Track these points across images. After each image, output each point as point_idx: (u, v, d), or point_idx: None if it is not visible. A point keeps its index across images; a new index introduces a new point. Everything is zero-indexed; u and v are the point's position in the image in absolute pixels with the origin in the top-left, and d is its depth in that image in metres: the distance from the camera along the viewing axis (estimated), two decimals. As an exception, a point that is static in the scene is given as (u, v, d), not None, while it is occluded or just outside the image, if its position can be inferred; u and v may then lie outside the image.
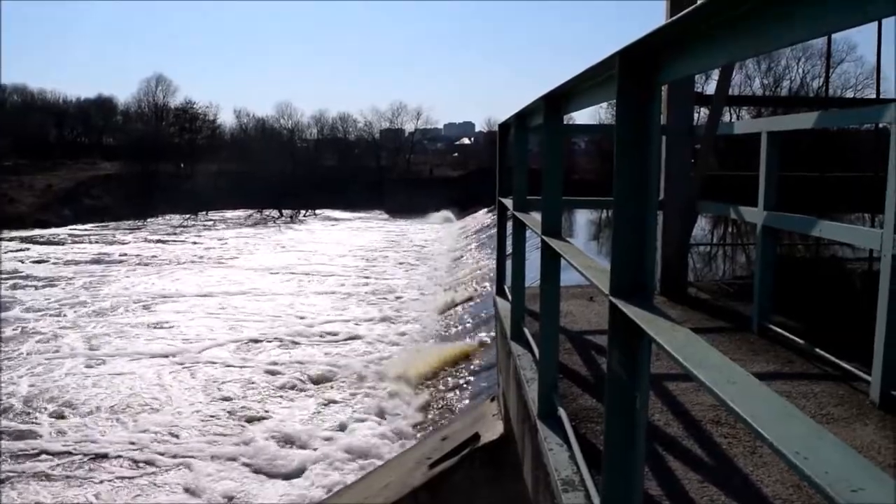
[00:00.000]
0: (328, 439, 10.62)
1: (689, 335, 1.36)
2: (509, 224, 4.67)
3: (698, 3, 1.18)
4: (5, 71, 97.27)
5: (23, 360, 14.81)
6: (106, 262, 30.31)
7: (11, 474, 9.66)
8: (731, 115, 30.34)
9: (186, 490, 9.26)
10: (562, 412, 2.92)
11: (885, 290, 3.12)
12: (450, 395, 11.70)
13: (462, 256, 29.38)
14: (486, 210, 40.87)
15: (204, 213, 54.00)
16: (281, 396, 12.70)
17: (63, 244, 36.92)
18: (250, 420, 11.53)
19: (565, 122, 3.22)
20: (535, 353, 3.43)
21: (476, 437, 5.46)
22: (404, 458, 7.41)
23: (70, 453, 10.31)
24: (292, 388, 13.08)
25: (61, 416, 11.71)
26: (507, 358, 4.52)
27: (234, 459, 10.06)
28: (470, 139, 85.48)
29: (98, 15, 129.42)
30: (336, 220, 54.39)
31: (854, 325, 3.85)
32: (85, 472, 9.78)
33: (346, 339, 16.41)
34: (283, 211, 55.50)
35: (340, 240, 39.26)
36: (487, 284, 18.65)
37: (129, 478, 9.64)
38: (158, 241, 38.96)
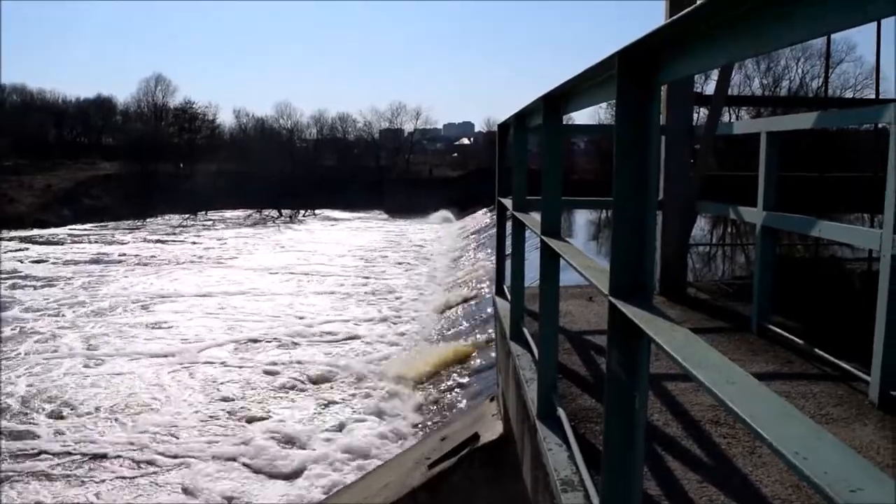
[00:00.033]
0: (327, 439, 10.62)
1: (688, 335, 1.36)
2: (509, 224, 4.67)
3: (697, 3, 1.18)
4: (5, 71, 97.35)
5: (21, 360, 14.80)
6: (105, 262, 30.30)
7: (10, 474, 9.65)
8: (730, 115, 30.36)
9: (186, 490, 9.26)
10: (561, 412, 2.92)
11: (884, 290, 3.12)
12: (449, 395, 11.70)
13: (461, 256, 29.38)
14: (485, 210, 40.87)
15: (203, 213, 54.01)
16: (280, 396, 12.70)
17: (62, 244, 36.91)
18: (249, 420, 11.52)
19: (565, 123, 3.22)
20: (535, 353, 3.43)
21: (475, 437, 5.46)
22: (403, 458, 7.41)
23: (69, 453, 10.30)
24: (291, 388, 13.08)
25: (60, 416, 11.70)
26: (506, 358, 4.52)
27: (233, 459, 10.05)
28: (469, 139, 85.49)
29: (98, 15, 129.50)
30: (335, 220, 54.40)
31: (853, 326, 3.86)
32: (84, 473, 9.77)
33: (345, 339, 16.41)
34: (283, 211, 55.49)
35: (340, 240, 39.26)
36: (486, 284, 18.66)
37: (129, 478, 9.63)
38: (158, 241, 38.95)
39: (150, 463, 10.01)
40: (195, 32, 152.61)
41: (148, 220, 49.18)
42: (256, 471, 9.74)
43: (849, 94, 37.85)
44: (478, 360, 12.77)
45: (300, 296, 22.16)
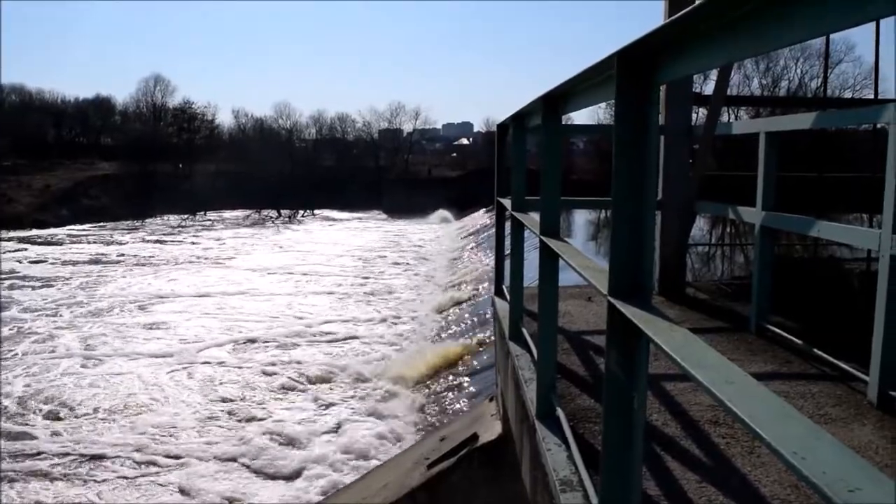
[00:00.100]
0: (326, 440, 10.62)
1: (687, 335, 1.36)
2: (508, 224, 4.67)
3: (696, 3, 1.18)
4: (5, 71, 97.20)
5: (19, 360, 14.78)
6: (103, 263, 30.29)
7: (9, 474, 9.64)
8: (729, 115, 30.37)
9: (185, 491, 9.25)
10: (560, 412, 2.92)
11: (882, 290, 3.12)
12: (448, 395, 11.70)
13: (460, 257, 29.39)
14: (484, 210, 40.90)
15: (202, 213, 54.01)
16: (279, 397, 12.69)
17: (61, 244, 36.89)
18: (248, 420, 11.52)
19: (564, 123, 3.22)
20: (534, 354, 3.43)
21: (474, 437, 5.46)
22: (402, 458, 7.41)
23: (67, 454, 10.28)
24: (290, 388, 13.08)
25: (58, 417, 11.68)
26: (505, 358, 4.52)
27: (232, 460, 10.05)
28: (468, 139, 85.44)
29: (97, 15, 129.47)
30: (334, 220, 54.41)
31: (852, 326, 3.86)
32: (82, 473, 9.76)
33: (344, 340, 16.41)
34: (282, 211, 55.51)
35: (338, 240, 39.26)
36: (485, 285, 18.66)
37: (128, 478, 9.62)
38: (156, 241, 38.94)
39: (150, 463, 10.00)
40: (194, 32, 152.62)
41: (147, 220, 49.18)
42: (255, 471, 9.74)
43: (848, 95, 37.91)
44: (476, 361, 12.77)
45: (299, 296, 22.15)
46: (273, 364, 14.39)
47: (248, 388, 13.06)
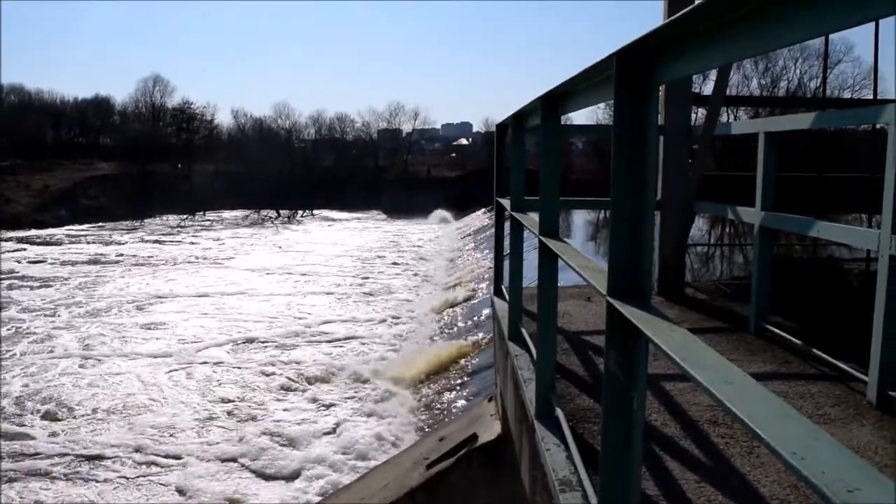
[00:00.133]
0: (325, 440, 10.62)
1: (686, 335, 1.36)
2: (507, 224, 4.67)
3: (696, 3, 1.18)
4: (5, 71, 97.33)
5: (17, 360, 14.76)
6: (102, 263, 30.28)
7: (7, 474, 9.63)
8: (728, 115, 30.38)
9: (184, 491, 9.24)
10: (559, 412, 2.92)
11: (881, 290, 3.13)
12: (447, 395, 11.69)
13: (459, 257, 29.40)
14: (483, 210, 40.93)
15: (201, 213, 54.02)
16: (278, 397, 12.69)
17: (60, 245, 36.87)
18: (247, 420, 11.51)
19: (563, 123, 3.22)
20: (533, 354, 3.43)
21: (474, 437, 5.46)
22: (402, 458, 7.41)
23: (65, 455, 10.26)
24: (289, 388, 13.07)
25: (56, 418, 11.66)
26: (504, 358, 4.52)
27: (231, 460, 10.05)
28: (468, 139, 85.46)
29: (97, 15, 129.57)
30: (333, 220, 54.43)
31: (851, 326, 3.86)
32: (80, 474, 9.74)
33: (343, 340, 16.40)
34: (281, 211, 55.51)
35: (338, 240, 39.27)
36: (485, 285, 18.66)
37: (126, 478, 9.61)
38: (155, 241, 38.94)
39: (149, 464, 9.99)
40: (194, 32, 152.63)
41: (146, 220, 49.18)
42: (255, 471, 9.74)
43: (847, 95, 37.97)
44: (476, 361, 12.77)
45: (298, 296, 22.15)
46: (272, 364, 14.38)
47: (247, 389, 13.05)
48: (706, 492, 2.48)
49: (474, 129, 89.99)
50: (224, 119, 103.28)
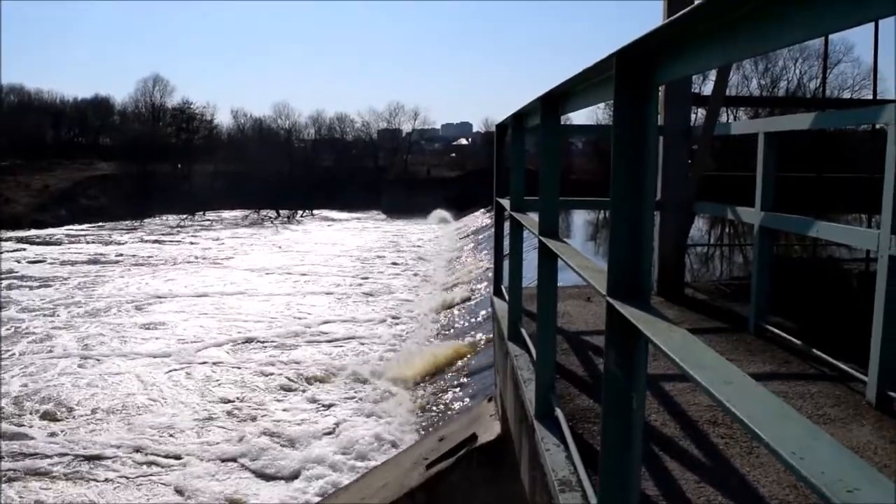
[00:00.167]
0: (325, 440, 10.61)
1: (685, 336, 1.36)
2: (507, 224, 4.67)
3: (696, 3, 1.18)
4: (5, 71, 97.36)
5: (16, 360, 14.74)
6: (102, 263, 30.27)
7: (6, 474, 9.62)
8: (728, 115, 30.38)
9: (183, 491, 9.24)
10: (559, 412, 2.92)
11: (881, 290, 3.13)
12: (447, 395, 11.69)
13: (459, 257, 29.39)
14: (483, 210, 40.93)
15: (201, 213, 54.01)
16: (278, 397, 12.68)
17: (59, 244, 36.85)
18: (247, 420, 11.51)
19: (563, 123, 3.22)
20: (533, 354, 3.43)
21: (473, 437, 5.46)
22: (401, 458, 7.40)
23: (65, 455, 10.25)
24: (289, 388, 13.07)
25: (55, 418, 11.64)
26: (504, 358, 4.52)
27: (231, 460, 10.04)
28: (467, 140, 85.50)
29: (97, 15, 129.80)
30: (333, 220, 54.41)
31: (851, 326, 3.86)
32: (80, 474, 9.74)
33: (342, 340, 16.39)
34: (280, 211, 55.49)
35: (337, 240, 39.26)
36: (484, 285, 18.66)
37: (126, 479, 9.61)
38: (155, 241, 38.92)
39: (148, 464, 9.99)
40: (194, 32, 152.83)
41: (145, 220, 49.16)
42: (255, 471, 9.73)
43: (846, 95, 37.98)
44: (475, 361, 12.77)
45: (297, 296, 22.14)
46: (271, 364, 14.38)
47: (246, 389, 13.05)
48: (706, 492, 2.48)
49: (474, 129, 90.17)
50: (224, 119, 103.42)
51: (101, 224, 46.32)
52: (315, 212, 57.24)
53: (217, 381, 13.50)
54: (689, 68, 1.47)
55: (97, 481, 9.52)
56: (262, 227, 49.14)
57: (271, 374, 13.78)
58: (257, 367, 14.18)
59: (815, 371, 3.71)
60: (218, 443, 10.62)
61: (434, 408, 11.36)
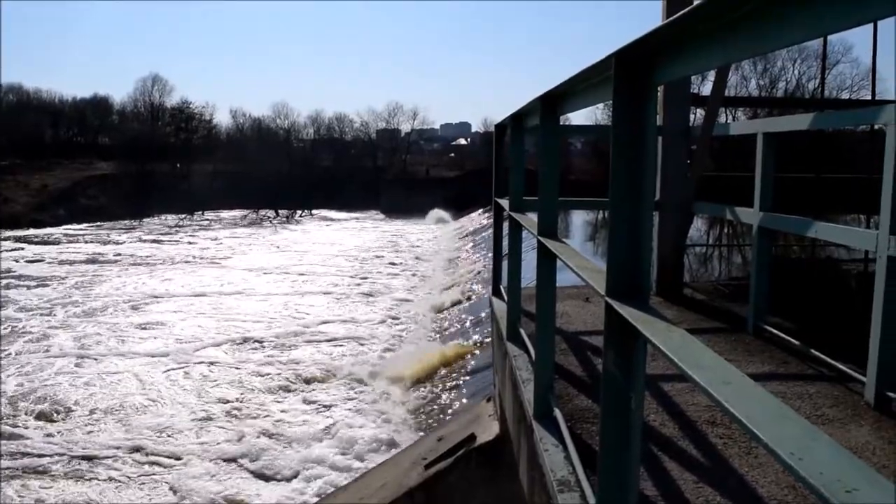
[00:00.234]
0: (323, 440, 10.61)
1: (684, 336, 1.36)
2: (506, 224, 4.67)
3: (695, 4, 1.18)
4: (4, 71, 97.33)
5: (13, 359, 14.72)
6: (100, 262, 30.23)
7: (4, 473, 9.61)
8: (727, 116, 30.40)
9: (181, 491, 9.23)
10: (557, 413, 2.92)
11: (880, 291, 3.13)
12: (445, 395, 11.69)
13: (458, 257, 29.39)
14: (482, 211, 40.93)
15: (200, 213, 53.98)
16: (276, 397, 12.67)
17: (58, 244, 36.81)
18: (245, 420, 11.50)
19: (562, 123, 3.22)
20: (532, 354, 3.43)
21: (472, 437, 5.46)
22: (400, 458, 7.40)
23: (61, 455, 10.23)
24: (287, 388, 13.05)
25: (51, 418, 11.61)
26: (503, 359, 4.52)
27: (229, 460, 10.03)
28: (466, 140, 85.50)
29: (97, 15, 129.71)
30: (332, 220, 54.38)
31: (849, 327, 3.86)
32: (77, 474, 9.72)
33: (341, 340, 16.38)
34: (279, 211, 55.46)
35: (336, 240, 39.23)
36: (483, 285, 18.66)
37: (124, 479, 9.59)
38: (153, 241, 38.87)
39: (146, 464, 9.98)
40: (193, 32, 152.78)
41: (144, 220, 49.12)
42: (253, 471, 9.72)
43: (845, 96, 38.00)
44: (474, 361, 12.76)
45: (296, 296, 22.12)
46: (270, 364, 14.36)
47: (245, 389, 13.03)
48: (704, 492, 2.48)
49: (473, 130, 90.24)
50: (223, 119, 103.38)
51: (99, 224, 46.27)
52: (314, 212, 57.21)
53: (215, 380, 13.49)
54: (688, 69, 1.47)
55: (95, 482, 9.50)
56: (261, 226, 49.10)
57: (269, 374, 13.76)
58: (255, 367, 14.16)
59: (814, 371, 3.71)
60: (216, 443, 10.61)
61: (432, 408, 11.36)
